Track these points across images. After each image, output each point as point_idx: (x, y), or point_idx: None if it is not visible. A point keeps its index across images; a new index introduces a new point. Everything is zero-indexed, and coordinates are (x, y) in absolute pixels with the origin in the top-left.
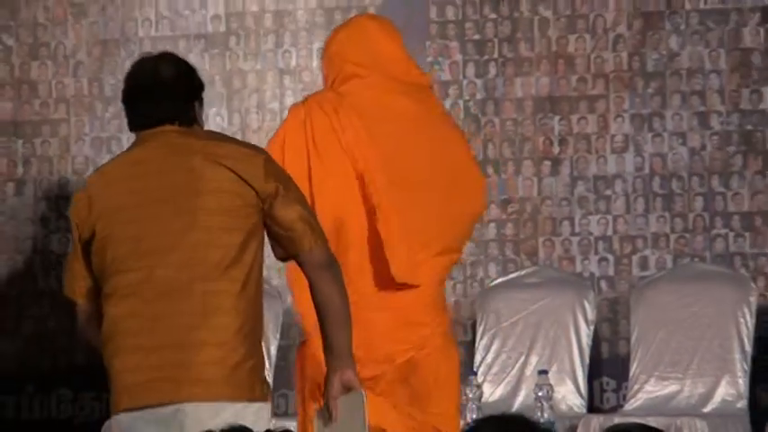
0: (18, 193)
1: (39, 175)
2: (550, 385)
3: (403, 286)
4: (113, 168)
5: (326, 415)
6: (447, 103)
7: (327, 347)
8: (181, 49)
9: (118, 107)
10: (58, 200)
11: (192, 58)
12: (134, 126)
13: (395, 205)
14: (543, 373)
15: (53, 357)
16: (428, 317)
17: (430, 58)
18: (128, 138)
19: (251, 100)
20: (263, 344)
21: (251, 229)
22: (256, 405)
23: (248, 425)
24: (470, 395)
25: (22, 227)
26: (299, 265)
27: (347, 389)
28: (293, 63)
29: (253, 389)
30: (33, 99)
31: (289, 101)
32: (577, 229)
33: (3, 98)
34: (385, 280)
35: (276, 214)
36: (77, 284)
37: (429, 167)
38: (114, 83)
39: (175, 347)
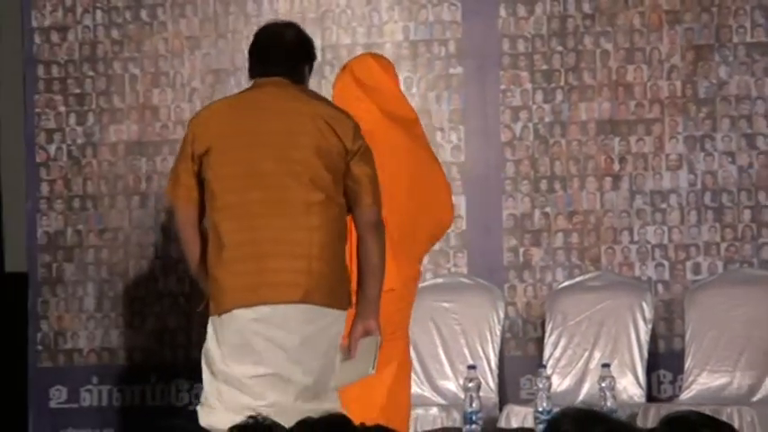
0: (142, 206)
1: (159, 190)
2: (613, 377)
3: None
4: (234, 100)
5: (346, 351)
6: (517, 127)
7: (360, 295)
8: None
9: None
10: (169, 213)
11: None
12: (253, 74)
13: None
14: (606, 366)
15: (173, 351)
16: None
17: (503, 86)
18: None
19: None
20: None
21: (340, 172)
22: (338, 312)
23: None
24: (540, 386)
25: (146, 235)
26: (354, 220)
27: (367, 334)
28: None
29: (340, 298)
30: (155, 122)
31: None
32: (636, 238)
33: (130, 121)
34: None
35: (352, 168)
36: (181, 191)
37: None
38: None
39: (272, 257)
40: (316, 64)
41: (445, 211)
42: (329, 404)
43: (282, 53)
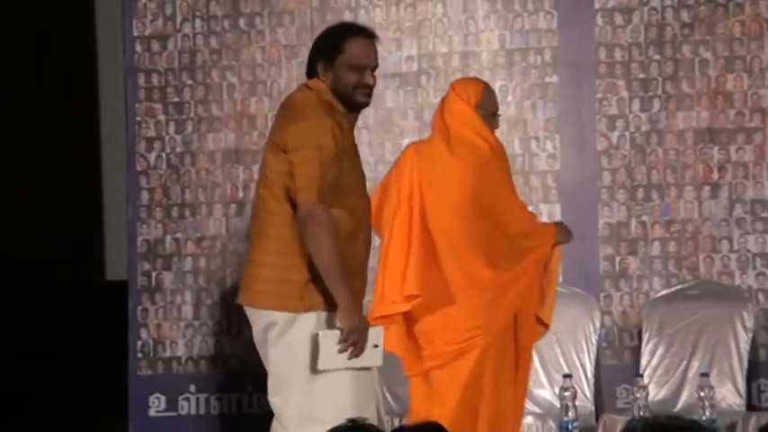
0: (239, 214)
1: (256, 198)
2: (711, 386)
3: None
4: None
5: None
6: (614, 135)
7: None
8: (379, 87)
9: None
10: None
11: (388, 95)
12: None
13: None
14: (705, 375)
15: None
16: None
17: (599, 95)
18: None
19: None
20: None
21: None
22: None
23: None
24: (637, 395)
25: (242, 243)
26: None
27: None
28: None
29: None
30: (252, 130)
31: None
32: (736, 247)
33: (227, 129)
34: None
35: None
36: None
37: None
38: None
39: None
40: (411, 72)
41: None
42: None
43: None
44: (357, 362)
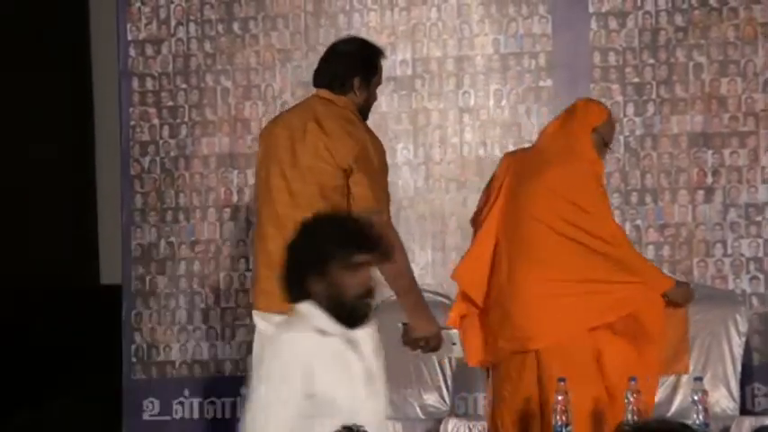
0: (233, 218)
1: (250, 202)
2: (705, 390)
3: None
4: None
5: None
6: None
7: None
8: None
9: None
10: None
11: (383, 99)
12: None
13: None
14: (698, 379)
15: None
16: None
17: None
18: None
19: (434, 135)
20: None
21: (329, 188)
22: None
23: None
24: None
25: (236, 248)
26: None
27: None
28: (472, 103)
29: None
30: (246, 134)
31: (468, 136)
32: (730, 251)
33: (221, 133)
34: None
35: (350, 187)
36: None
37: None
38: None
39: None
40: (405, 76)
41: None
42: None
43: (328, 65)
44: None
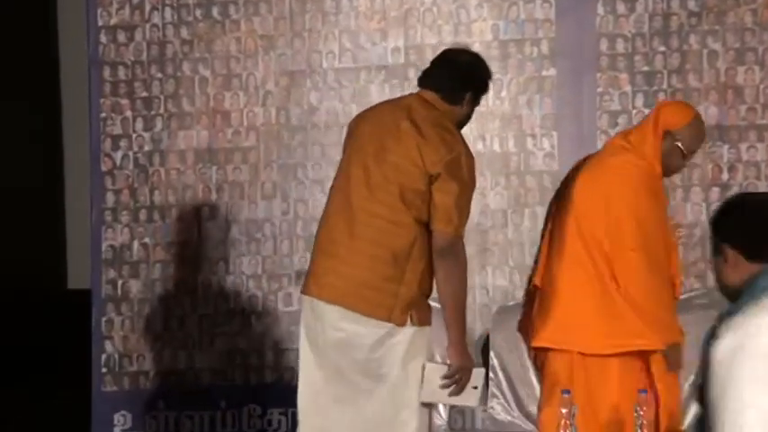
0: (212, 218)
1: (230, 200)
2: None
3: None
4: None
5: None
6: (616, 132)
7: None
8: (362, 80)
9: (303, 135)
10: (247, 223)
11: (373, 88)
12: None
13: None
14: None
15: (244, 374)
16: None
17: (600, 89)
18: (312, 165)
19: None
20: None
21: (417, 192)
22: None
23: None
24: (640, 412)
25: (216, 249)
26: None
27: (458, 371)
28: None
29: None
30: (226, 128)
31: (465, 129)
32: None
33: (200, 126)
34: None
35: (432, 193)
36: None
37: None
38: (300, 112)
39: None
40: (397, 65)
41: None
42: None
43: (443, 71)
44: (455, 399)
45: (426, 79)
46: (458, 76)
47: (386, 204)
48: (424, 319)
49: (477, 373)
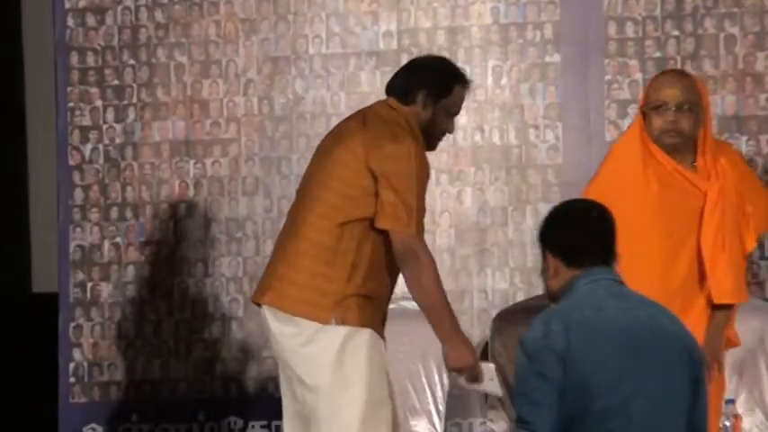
0: (189, 215)
1: (209, 196)
2: (738, 415)
3: None
4: None
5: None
6: (625, 123)
7: None
8: (351, 67)
9: (288, 126)
10: (228, 221)
11: (363, 76)
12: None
13: None
14: (730, 402)
15: (224, 384)
16: None
17: (608, 77)
18: (297, 158)
19: None
20: None
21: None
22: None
23: None
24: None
25: (193, 250)
26: None
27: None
28: None
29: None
30: (204, 118)
31: (462, 120)
32: (767, 254)
33: (176, 117)
34: None
35: (379, 193)
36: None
37: None
38: (284, 101)
39: None
40: (389, 51)
41: None
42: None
43: (400, 75)
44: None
45: (388, 86)
46: (409, 75)
47: (323, 201)
48: (354, 319)
49: (488, 368)
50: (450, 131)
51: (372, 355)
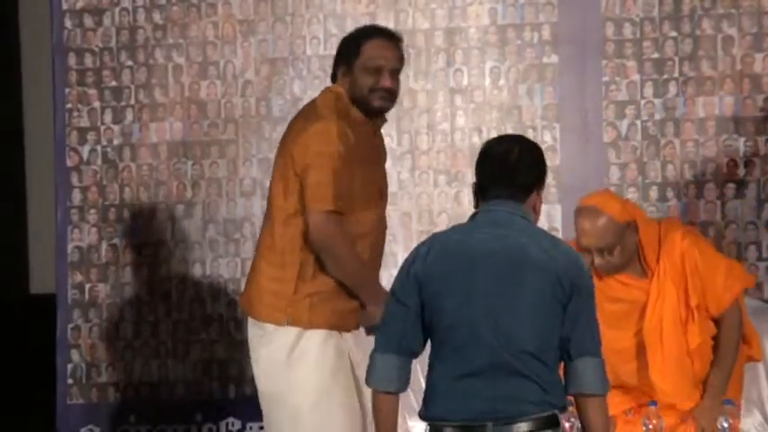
0: (187, 216)
1: (207, 198)
2: (737, 416)
3: None
4: None
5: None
6: (624, 124)
7: None
8: None
9: (286, 128)
10: (226, 223)
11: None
12: None
13: None
14: (729, 403)
15: (222, 385)
16: None
17: (606, 78)
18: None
19: (421, 120)
20: None
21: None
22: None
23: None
24: (650, 426)
25: (191, 251)
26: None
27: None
28: (465, 82)
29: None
30: (202, 119)
31: (460, 122)
32: (765, 254)
33: (173, 118)
34: None
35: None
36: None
37: None
38: (282, 102)
39: None
40: None
41: None
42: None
43: None
44: None
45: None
46: (334, 60)
47: (270, 203)
48: (304, 320)
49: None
50: (383, 85)
51: (322, 360)
